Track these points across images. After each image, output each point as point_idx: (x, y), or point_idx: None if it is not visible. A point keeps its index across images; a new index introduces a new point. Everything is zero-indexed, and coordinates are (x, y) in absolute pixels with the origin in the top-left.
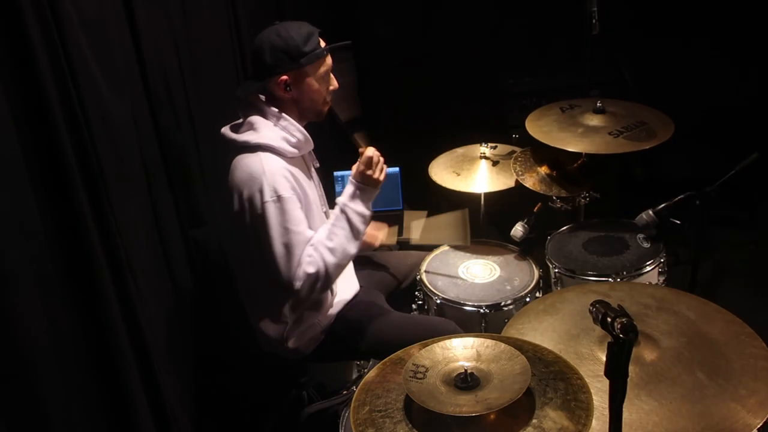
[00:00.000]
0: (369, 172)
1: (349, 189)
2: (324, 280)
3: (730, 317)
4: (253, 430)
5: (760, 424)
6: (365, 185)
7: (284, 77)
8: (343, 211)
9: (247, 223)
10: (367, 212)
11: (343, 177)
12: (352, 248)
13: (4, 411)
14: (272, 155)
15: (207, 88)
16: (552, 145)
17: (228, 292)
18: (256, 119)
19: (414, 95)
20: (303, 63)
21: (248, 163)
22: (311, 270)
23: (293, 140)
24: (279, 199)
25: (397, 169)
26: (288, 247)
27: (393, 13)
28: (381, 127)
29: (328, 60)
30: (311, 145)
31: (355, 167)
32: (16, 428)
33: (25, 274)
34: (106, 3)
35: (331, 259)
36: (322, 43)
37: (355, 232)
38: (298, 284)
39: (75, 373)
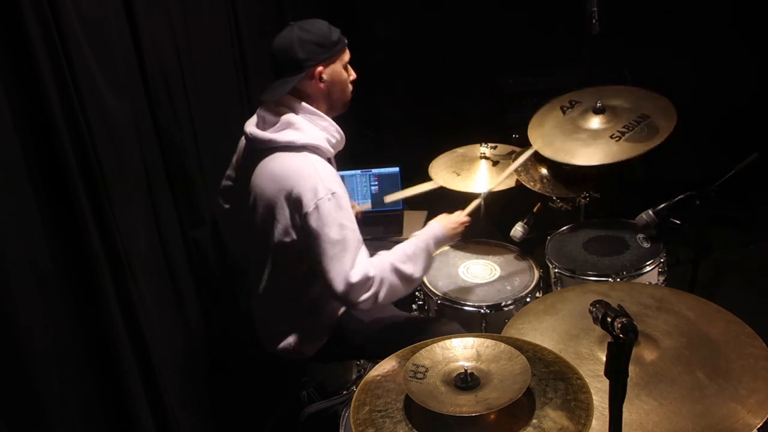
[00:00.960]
0: (460, 230)
1: (439, 232)
2: (378, 288)
3: (730, 317)
4: (253, 430)
5: (760, 424)
6: (449, 240)
7: (320, 68)
8: (420, 242)
9: (297, 223)
10: (433, 255)
11: (343, 177)
12: (411, 273)
13: (4, 411)
14: (317, 156)
15: (207, 88)
16: (560, 161)
17: (228, 292)
18: (295, 119)
19: (414, 95)
20: (334, 51)
21: (296, 163)
22: (371, 273)
23: (333, 141)
24: (334, 196)
25: (397, 169)
26: (343, 244)
27: (393, 13)
28: (381, 127)
29: (347, 50)
30: (343, 144)
31: (455, 220)
32: (16, 428)
33: (25, 274)
34: (106, 3)
35: (395, 277)
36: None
37: (422, 263)
38: (351, 282)
39: (75, 373)
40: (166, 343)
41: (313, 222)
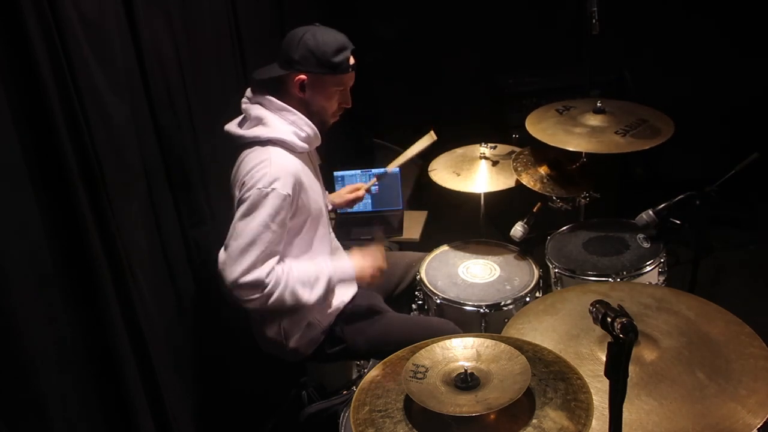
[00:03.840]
0: (370, 276)
1: (349, 273)
2: (266, 298)
3: (730, 317)
4: (253, 430)
5: (760, 424)
6: (359, 279)
7: (303, 76)
8: (329, 280)
9: (234, 207)
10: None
11: (343, 177)
12: (303, 298)
13: (4, 411)
14: (283, 150)
15: (207, 88)
16: (565, 147)
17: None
18: (264, 114)
19: (414, 95)
20: (326, 71)
21: (255, 156)
22: (266, 281)
23: (303, 135)
24: (273, 191)
25: (397, 169)
26: (254, 240)
27: (393, 13)
28: (381, 127)
29: (351, 78)
30: (319, 141)
31: (372, 266)
32: (16, 428)
33: (24, 274)
34: (106, 3)
35: (287, 294)
36: (353, 60)
37: (320, 296)
38: (241, 281)
39: (75, 373)
40: (166, 343)
41: (242, 209)
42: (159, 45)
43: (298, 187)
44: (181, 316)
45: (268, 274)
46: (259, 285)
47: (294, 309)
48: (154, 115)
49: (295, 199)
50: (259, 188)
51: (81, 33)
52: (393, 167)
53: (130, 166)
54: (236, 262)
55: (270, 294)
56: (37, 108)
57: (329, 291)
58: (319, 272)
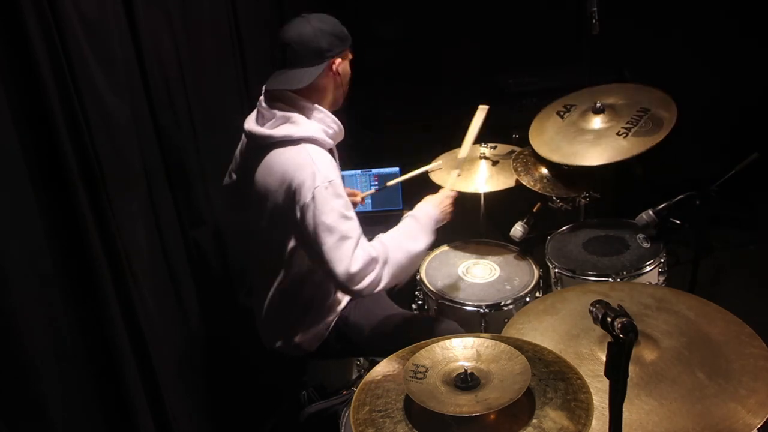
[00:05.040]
0: (450, 208)
1: (427, 208)
2: (383, 269)
3: (730, 317)
4: (253, 430)
5: (760, 424)
6: (443, 218)
7: (338, 59)
8: (416, 219)
9: (296, 215)
10: (433, 228)
11: (343, 177)
12: (415, 249)
13: (4, 411)
14: (316, 146)
15: (207, 88)
16: (572, 164)
17: (228, 291)
18: (290, 113)
19: (414, 95)
20: (347, 45)
21: (293, 155)
22: (374, 254)
23: (330, 131)
24: (331, 184)
25: (397, 169)
26: (342, 232)
27: (392, 13)
28: (381, 127)
29: None
30: (343, 135)
31: (443, 197)
32: (16, 428)
33: (25, 274)
34: (106, 3)
35: (399, 254)
36: None
37: (424, 237)
38: (353, 269)
39: (75, 373)
40: (166, 343)
41: (312, 211)
42: (159, 45)
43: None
44: (181, 316)
45: (371, 249)
46: (370, 264)
47: (414, 264)
48: (154, 115)
49: (343, 182)
50: (318, 186)
51: (81, 33)
52: (392, 183)
53: (130, 166)
54: (340, 261)
55: (383, 267)
56: (37, 108)
57: (432, 231)
58: (406, 223)
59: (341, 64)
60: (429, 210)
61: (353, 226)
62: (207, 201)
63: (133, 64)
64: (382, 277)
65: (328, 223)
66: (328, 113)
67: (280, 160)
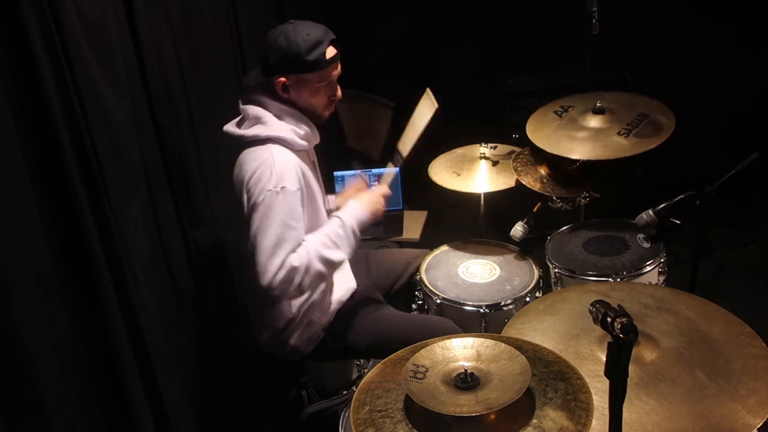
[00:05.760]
0: (381, 206)
1: (358, 212)
2: (301, 280)
3: (730, 317)
4: (253, 430)
5: (760, 424)
6: (373, 219)
7: (282, 79)
8: (343, 226)
9: (246, 211)
10: (358, 237)
11: (343, 177)
12: (336, 258)
13: (4, 411)
14: (283, 147)
15: (207, 88)
16: (573, 157)
17: (228, 292)
18: (262, 113)
19: (414, 95)
20: (301, 70)
21: (257, 155)
22: (295, 263)
23: (301, 132)
24: (283, 190)
25: (397, 169)
26: (279, 241)
27: (392, 13)
28: None
29: (334, 70)
30: (318, 138)
31: (374, 195)
32: (16, 428)
33: (24, 274)
34: (106, 3)
35: (319, 264)
36: (332, 51)
37: (347, 248)
38: (277, 279)
39: (75, 373)
40: (166, 343)
41: (258, 213)
42: (159, 45)
43: (303, 180)
44: (181, 316)
45: (294, 259)
46: (291, 274)
47: (332, 272)
48: (154, 115)
49: (303, 193)
50: (269, 190)
51: (81, 33)
52: (405, 151)
53: (130, 166)
54: (267, 266)
55: (304, 274)
56: (37, 108)
57: (357, 240)
58: (333, 228)
59: (292, 85)
60: (359, 213)
61: (292, 237)
62: (207, 201)
63: (133, 64)
64: (303, 285)
65: (269, 229)
66: (300, 114)
67: (246, 159)
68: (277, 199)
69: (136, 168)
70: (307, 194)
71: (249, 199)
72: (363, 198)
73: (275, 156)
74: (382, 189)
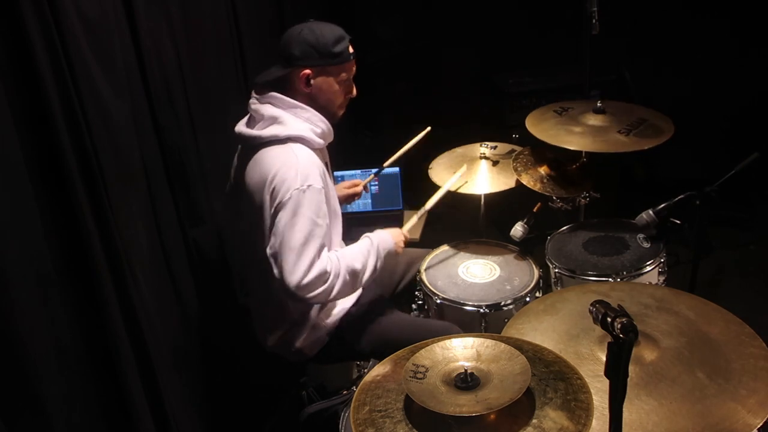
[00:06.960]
0: (403, 241)
1: (389, 245)
2: (331, 287)
3: (730, 317)
4: (253, 430)
5: (760, 424)
6: (393, 255)
7: (308, 71)
8: (377, 249)
9: (269, 211)
10: (380, 266)
11: (343, 177)
12: (362, 274)
13: (4, 411)
14: (303, 146)
15: (207, 88)
16: (568, 147)
17: (228, 292)
18: (278, 113)
19: (414, 95)
20: (328, 62)
21: (278, 154)
22: (329, 268)
23: (318, 130)
24: (309, 188)
25: (397, 169)
26: (308, 239)
27: (392, 12)
28: (381, 127)
29: (354, 66)
30: (332, 136)
31: (400, 235)
32: (16, 428)
33: (24, 274)
34: (106, 3)
35: (348, 275)
36: (351, 49)
37: (372, 271)
38: (307, 279)
39: (75, 373)
40: (166, 343)
41: (285, 212)
42: (159, 45)
43: (324, 179)
44: (181, 316)
45: (327, 264)
46: (322, 276)
47: (353, 291)
48: (154, 115)
49: (326, 191)
50: (296, 188)
51: (81, 33)
52: (389, 163)
53: (130, 166)
54: (296, 265)
55: (334, 281)
56: (37, 108)
57: (379, 260)
58: (362, 246)
59: (315, 77)
60: (387, 240)
61: (320, 234)
62: (207, 201)
63: (133, 64)
64: (333, 290)
65: (297, 227)
66: (316, 113)
67: (266, 158)
68: (304, 197)
69: (136, 168)
70: (328, 190)
71: (274, 199)
72: (391, 230)
73: (298, 155)
74: (405, 231)
